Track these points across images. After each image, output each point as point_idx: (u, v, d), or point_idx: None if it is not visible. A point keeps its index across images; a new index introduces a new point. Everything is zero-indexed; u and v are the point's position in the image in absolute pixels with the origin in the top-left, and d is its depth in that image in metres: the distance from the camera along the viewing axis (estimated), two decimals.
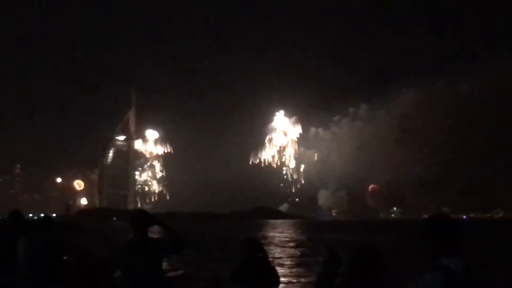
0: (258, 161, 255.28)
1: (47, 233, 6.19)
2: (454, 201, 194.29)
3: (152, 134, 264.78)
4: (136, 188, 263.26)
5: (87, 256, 6.22)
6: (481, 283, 2.79)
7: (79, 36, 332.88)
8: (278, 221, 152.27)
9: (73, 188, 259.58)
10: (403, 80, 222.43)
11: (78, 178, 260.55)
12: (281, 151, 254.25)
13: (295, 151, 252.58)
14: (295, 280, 19.60)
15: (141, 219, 5.09)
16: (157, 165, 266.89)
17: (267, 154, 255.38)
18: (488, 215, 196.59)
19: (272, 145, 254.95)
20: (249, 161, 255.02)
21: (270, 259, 5.98)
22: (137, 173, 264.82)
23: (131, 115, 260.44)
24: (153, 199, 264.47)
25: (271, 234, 65.91)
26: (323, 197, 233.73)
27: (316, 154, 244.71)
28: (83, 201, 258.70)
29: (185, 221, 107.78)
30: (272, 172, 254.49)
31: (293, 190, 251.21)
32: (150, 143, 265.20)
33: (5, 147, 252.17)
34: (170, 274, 19.61)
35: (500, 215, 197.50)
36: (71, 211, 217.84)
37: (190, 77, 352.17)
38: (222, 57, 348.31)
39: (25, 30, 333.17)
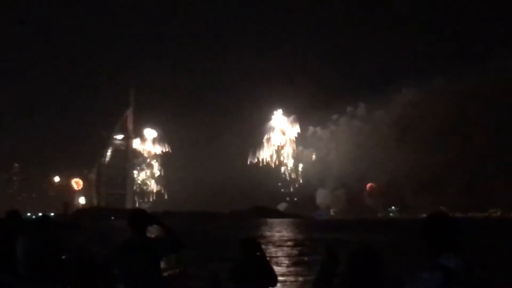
0: (256, 160, 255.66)
1: (45, 233, 6.19)
2: (452, 200, 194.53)
3: (150, 133, 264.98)
4: (134, 188, 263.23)
5: (85, 256, 6.21)
6: (480, 283, 2.79)
7: (79, 36, 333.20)
8: (277, 220, 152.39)
9: (71, 188, 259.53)
10: (402, 79, 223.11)
11: (76, 178, 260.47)
12: (279, 150, 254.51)
13: (293, 150, 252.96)
14: (292, 279, 19.61)
15: (139, 218, 5.08)
16: (155, 165, 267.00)
17: (266, 154, 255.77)
18: (486, 214, 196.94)
19: (270, 145, 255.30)
20: (247, 161, 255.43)
21: (268, 258, 5.97)
22: (135, 172, 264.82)
23: (129, 114, 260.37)
24: (151, 199, 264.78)
25: (269, 233, 65.95)
26: (322, 196, 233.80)
27: (314, 153, 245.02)
28: (82, 200, 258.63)
29: (183, 221, 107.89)
30: (271, 171, 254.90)
31: (291, 190, 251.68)
32: (148, 142, 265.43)
33: (3, 146, 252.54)
34: (168, 273, 19.63)
35: (498, 214, 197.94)
36: (69, 210, 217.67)
37: (188, 76, 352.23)
38: (221, 57, 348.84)
39: (25, 30, 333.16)
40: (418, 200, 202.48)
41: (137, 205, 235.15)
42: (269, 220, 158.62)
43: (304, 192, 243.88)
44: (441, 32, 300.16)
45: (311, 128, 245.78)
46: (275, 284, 5.74)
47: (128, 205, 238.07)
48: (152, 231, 5.46)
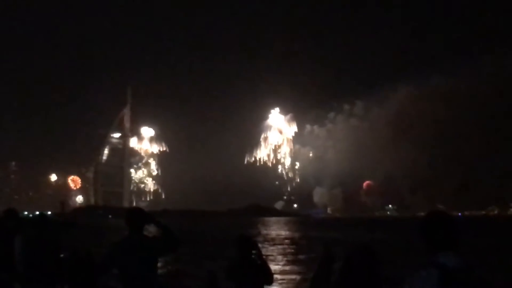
0: (253, 159, 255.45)
1: (43, 232, 6.18)
2: (450, 198, 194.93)
3: (147, 131, 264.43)
4: (132, 186, 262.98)
5: (82, 254, 6.21)
6: (480, 283, 2.79)
7: (79, 36, 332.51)
8: (274, 219, 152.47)
9: (68, 186, 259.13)
10: (400, 78, 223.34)
11: (73, 176, 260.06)
12: (276, 149, 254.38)
13: (291, 149, 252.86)
14: (289, 277, 19.62)
15: (137, 217, 5.08)
16: (153, 163, 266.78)
17: (263, 152, 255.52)
18: (484, 212, 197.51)
19: (267, 144, 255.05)
20: (244, 159, 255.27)
21: (265, 257, 5.99)
22: (132, 171, 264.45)
23: (126, 112, 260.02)
24: (148, 197, 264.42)
25: (265, 231, 65.98)
26: (319, 195, 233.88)
27: (311, 152, 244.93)
28: (79, 199, 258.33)
29: (180, 219, 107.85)
30: (268, 170, 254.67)
31: (289, 188, 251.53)
32: (146, 141, 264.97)
33: (0, 144, 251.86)
34: (165, 271, 19.64)
35: (495, 212, 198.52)
36: (66, 209, 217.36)
37: (185, 75, 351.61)
38: (218, 56, 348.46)
39: (25, 30, 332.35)
40: (415, 198, 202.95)
41: (134, 203, 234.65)
42: (266, 218, 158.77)
43: (301, 191, 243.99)
44: (439, 31, 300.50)
45: (308, 127, 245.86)
46: (271, 283, 5.76)
47: (126, 204, 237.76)
48: (150, 230, 5.46)
